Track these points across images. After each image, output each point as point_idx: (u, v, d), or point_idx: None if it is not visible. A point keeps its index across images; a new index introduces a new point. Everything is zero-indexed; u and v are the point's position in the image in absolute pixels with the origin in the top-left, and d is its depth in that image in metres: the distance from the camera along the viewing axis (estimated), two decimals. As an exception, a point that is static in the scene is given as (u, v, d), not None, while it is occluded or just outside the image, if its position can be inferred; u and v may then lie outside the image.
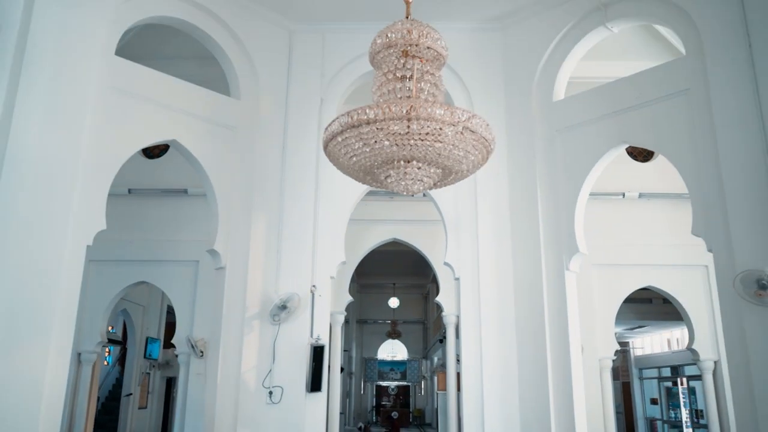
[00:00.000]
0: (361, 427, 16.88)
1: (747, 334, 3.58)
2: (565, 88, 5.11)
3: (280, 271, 4.86)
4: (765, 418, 3.47)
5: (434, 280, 7.96)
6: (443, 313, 7.45)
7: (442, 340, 9.72)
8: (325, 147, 2.77)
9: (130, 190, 6.38)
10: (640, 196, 6.85)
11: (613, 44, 5.53)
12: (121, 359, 11.79)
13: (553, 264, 4.71)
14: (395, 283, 17.92)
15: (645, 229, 6.88)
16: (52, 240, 3.69)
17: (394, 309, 18.81)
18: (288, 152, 5.11)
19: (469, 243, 5.00)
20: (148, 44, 5.86)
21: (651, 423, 13.93)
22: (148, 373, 11.00)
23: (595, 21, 4.83)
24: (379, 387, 22.41)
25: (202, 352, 6.40)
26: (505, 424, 4.66)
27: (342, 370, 10.50)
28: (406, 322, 19.70)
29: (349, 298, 7.36)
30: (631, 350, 14.63)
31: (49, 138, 3.73)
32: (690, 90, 4.19)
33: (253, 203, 4.89)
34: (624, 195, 6.87)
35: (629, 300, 8.24)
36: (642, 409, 14.16)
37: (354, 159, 2.69)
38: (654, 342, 13.91)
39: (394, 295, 18.65)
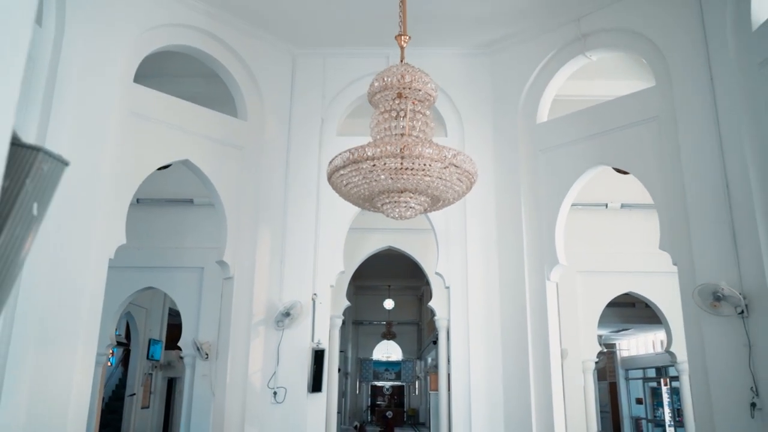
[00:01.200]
0: (356, 426, 17.25)
1: (705, 340, 4.00)
2: (548, 111, 5.50)
3: (284, 281, 5.23)
4: (720, 416, 3.88)
5: (428, 283, 8.36)
6: (435, 318, 7.84)
7: (435, 341, 10.11)
8: (329, 178, 3.16)
9: (138, 200, 6.71)
10: (622, 206, 7.27)
11: (599, 65, 5.89)
12: (124, 360, 12.13)
13: (535, 274, 5.11)
14: (390, 285, 18.26)
15: (626, 238, 7.28)
16: (78, 254, 4.06)
17: (389, 310, 19.15)
18: (291, 169, 5.49)
19: (459, 255, 5.39)
20: (153, 63, 6.21)
21: (636, 422, 14.41)
22: (151, 374, 11.35)
23: (575, 50, 5.23)
24: (374, 387, 22.76)
25: (207, 354, 6.78)
26: (490, 421, 5.06)
27: (339, 370, 10.86)
28: (401, 324, 20.05)
29: (346, 303, 7.75)
30: (618, 352, 15.09)
31: (76, 160, 4.09)
32: (659, 117, 4.60)
33: (259, 217, 5.26)
34: (607, 205, 7.30)
35: (614, 304, 8.65)
36: (628, 409, 14.63)
37: (354, 189, 3.08)
38: (639, 344, 14.38)
39: (389, 297, 18.99)
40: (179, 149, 4.89)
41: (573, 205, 5.43)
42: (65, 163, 0.87)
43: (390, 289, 18.63)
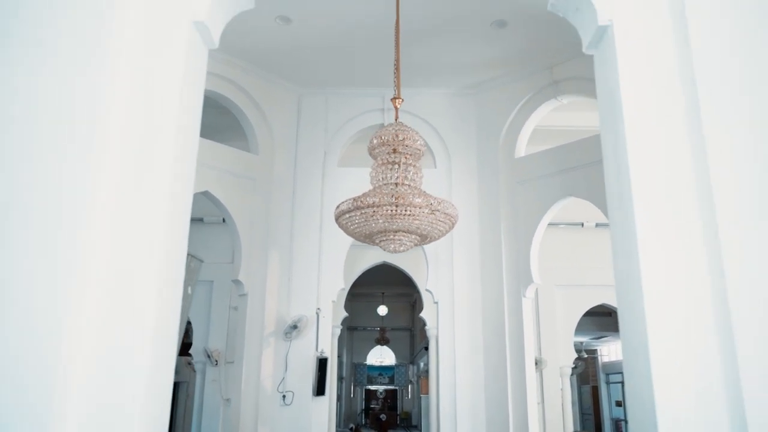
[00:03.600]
0: (352, 428, 17.87)
1: (653, 351, 4.70)
2: (525, 146, 6.20)
3: (291, 297, 5.89)
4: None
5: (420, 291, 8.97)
6: (426, 327, 8.49)
7: (427, 347, 10.75)
8: (336, 219, 3.84)
9: (154, 220, 7.34)
10: (597, 225, 7.98)
11: (580, 100, 6.54)
12: (131, 365, 12.66)
13: (512, 292, 5.79)
14: (384, 292, 18.83)
15: (600, 254, 7.92)
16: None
17: (382, 317, 19.71)
18: (297, 198, 6.16)
19: (446, 274, 6.07)
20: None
21: (616, 423, 15.10)
22: (157, 378, 11.89)
23: (548, 94, 5.94)
24: (368, 391, 23.34)
25: (216, 361, 7.44)
26: (473, 422, 5.74)
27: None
28: (394, 329, 20.60)
29: (344, 314, 8.42)
30: (599, 357, 15.81)
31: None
32: (619, 157, 5.30)
33: (269, 241, 5.90)
34: (583, 224, 8.03)
35: (592, 314, 9.32)
36: (609, 411, 15.34)
37: (357, 229, 3.76)
38: (618, 350, 15.09)
39: (382, 303, 19.56)
40: (200, 182, 5.50)
41: (552, 224, 6.11)
42: (201, 261, 1.40)
43: (384, 296, 19.17)
